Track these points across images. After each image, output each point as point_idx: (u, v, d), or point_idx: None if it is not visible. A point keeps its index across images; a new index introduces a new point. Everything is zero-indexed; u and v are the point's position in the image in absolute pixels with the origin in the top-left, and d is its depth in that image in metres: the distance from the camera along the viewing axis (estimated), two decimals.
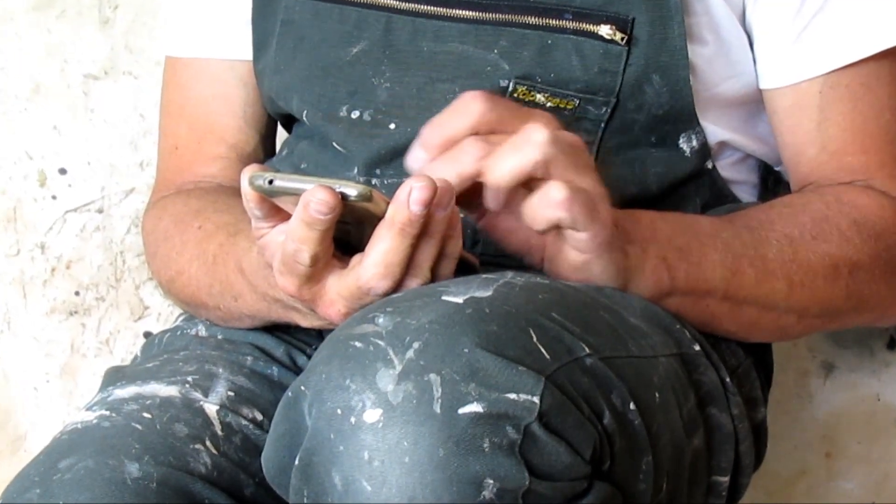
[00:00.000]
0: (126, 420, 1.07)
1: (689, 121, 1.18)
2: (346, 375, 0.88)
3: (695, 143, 1.20)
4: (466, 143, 1.00)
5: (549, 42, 1.16)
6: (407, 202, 0.95)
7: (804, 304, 1.12)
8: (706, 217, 1.15)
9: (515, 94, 1.16)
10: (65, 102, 1.65)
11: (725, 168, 1.24)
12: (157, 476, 1.02)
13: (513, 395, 0.88)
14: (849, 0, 1.17)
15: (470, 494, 0.86)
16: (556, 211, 0.98)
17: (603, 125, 1.16)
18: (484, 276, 0.97)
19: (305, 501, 0.90)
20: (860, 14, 1.18)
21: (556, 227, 1.00)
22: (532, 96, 1.16)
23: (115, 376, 1.16)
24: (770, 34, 1.19)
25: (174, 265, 1.22)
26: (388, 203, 0.97)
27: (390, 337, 0.89)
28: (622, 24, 1.15)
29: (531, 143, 0.98)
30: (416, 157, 1.02)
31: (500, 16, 1.17)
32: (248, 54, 1.28)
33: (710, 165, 1.21)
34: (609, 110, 1.16)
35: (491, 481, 0.87)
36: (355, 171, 1.20)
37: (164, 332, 1.26)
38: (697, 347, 1.07)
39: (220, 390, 1.12)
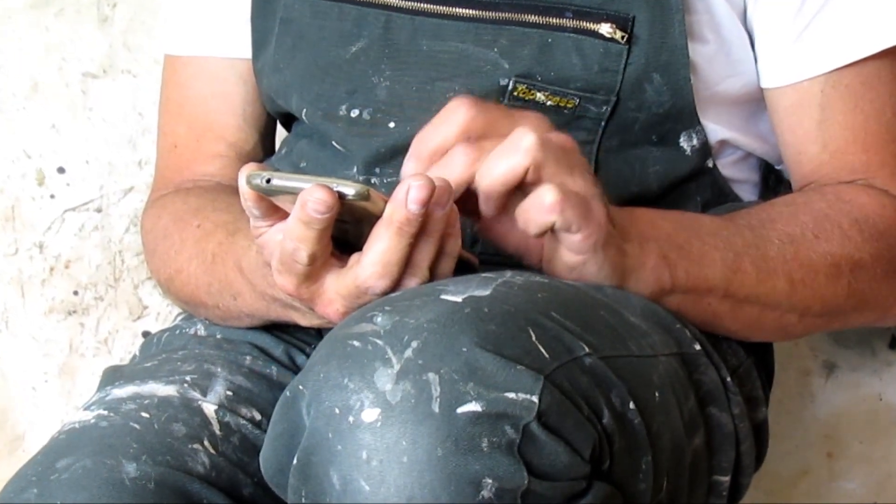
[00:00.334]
0: (124, 420, 1.07)
1: (689, 119, 1.18)
2: (344, 374, 0.88)
3: (695, 141, 1.19)
4: (456, 151, 1.00)
5: (549, 40, 1.16)
6: (405, 201, 0.95)
7: (805, 302, 1.12)
8: (707, 215, 1.14)
9: (515, 93, 1.16)
10: (63, 101, 1.65)
11: (726, 167, 1.23)
12: (154, 476, 1.02)
13: (511, 395, 0.87)
14: None
15: (469, 494, 0.86)
16: (549, 215, 0.98)
17: (603, 124, 1.16)
18: (483, 275, 0.96)
19: (304, 501, 0.90)
20: (861, 13, 1.18)
21: (551, 230, 0.99)
22: (532, 95, 1.15)
23: (114, 376, 1.16)
24: (771, 33, 1.19)
25: (173, 264, 1.22)
26: (386, 202, 0.96)
27: (389, 336, 0.89)
28: (622, 23, 1.15)
29: (519, 148, 0.98)
30: (407, 168, 1.03)
31: (499, 14, 1.17)
32: (247, 52, 1.28)
33: (710, 164, 1.21)
34: (609, 109, 1.16)
35: (490, 481, 0.86)
36: (355, 169, 1.20)
37: (163, 331, 1.26)
38: (698, 347, 1.06)
39: (219, 390, 1.12)
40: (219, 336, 1.21)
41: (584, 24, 1.15)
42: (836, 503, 1.69)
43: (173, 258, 1.22)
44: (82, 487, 1.01)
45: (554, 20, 1.16)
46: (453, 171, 0.99)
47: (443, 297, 0.92)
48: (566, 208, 0.98)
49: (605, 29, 1.15)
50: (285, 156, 1.29)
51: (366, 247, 0.98)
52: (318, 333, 1.19)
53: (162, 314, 1.68)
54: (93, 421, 1.07)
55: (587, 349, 0.93)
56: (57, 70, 1.64)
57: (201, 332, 1.22)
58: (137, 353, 1.26)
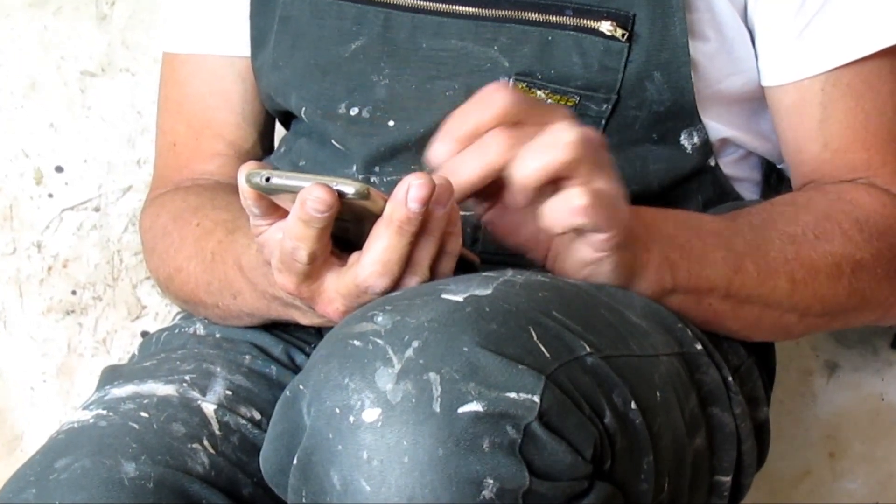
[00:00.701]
0: (123, 419, 1.07)
1: (690, 118, 1.18)
2: (344, 374, 0.88)
3: (696, 140, 1.19)
4: (492, 135, 0.98)
5: (550, 38, 1.15)
6: (405, 200, 0.95)
7: (806, 302, 1.12)
8: (708, 215, 1.14)
9: None
10: (61, 99, 1.64)
11: (728, 165, 1.23)
12: (154, 476, 1.02)
13: (513, 394, 0.87)
14: None
15: (470, 494, 0.86)
16: (579, 216, 0.96)
17: (604, 122, 1.16)
18: (484, 274, 0.96)
19: (304, 501, 0.90)
20: (862, 11, 1.18)
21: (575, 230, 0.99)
22: (532, 93, 1.15)
23: (112, 375, 1.16)
24: (772, 31, 1.18)
25: (172, 262, 1.21)
26: (386, 201, 0.96)
27: (389, 335, 0.89)
28: (623, 21, 1.14)
29: (560, 143, 0.96)
30: (438, 150, 1.00)
31: (499, 12, 1.16)
32: (246, 50, 1.28)
33: (712, 163, 1.21)
34: (610, 107, 1.16)
35: (491, 481, 0.86)
36: (354, 168, 1.20)
37: (162, 330, 1.26)
38: (699, 346, 1.06)
39: (218, 389, 1.12)
40: (218, 335, 1.21)
41: (585, 21, 1.15)
42: (837, 503, 1.69)
43: (172, 257, 1.21)
44: (81, 487, 1.01)
45: (554, 18, 1.16)
46: (487, 155, 0.98)
47: (444, 296, 0.91)
48: (597, 211, 0.97)
49: (605, 27, 1.15)
50: (284, 154, 1.28)
51: (366, 246, 0.97)
52: (318, 333, 1.19)
53: (161, 314, 1.68)
54: (91, 421, 1.07)
55: (589, 349, 0.92)
56: (55, 68, 1.64)
57: (200, 331, 1.22)
58: (136, 353, 1.26)
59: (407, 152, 1.18)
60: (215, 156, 1.31)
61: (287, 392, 0.93)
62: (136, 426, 1.06)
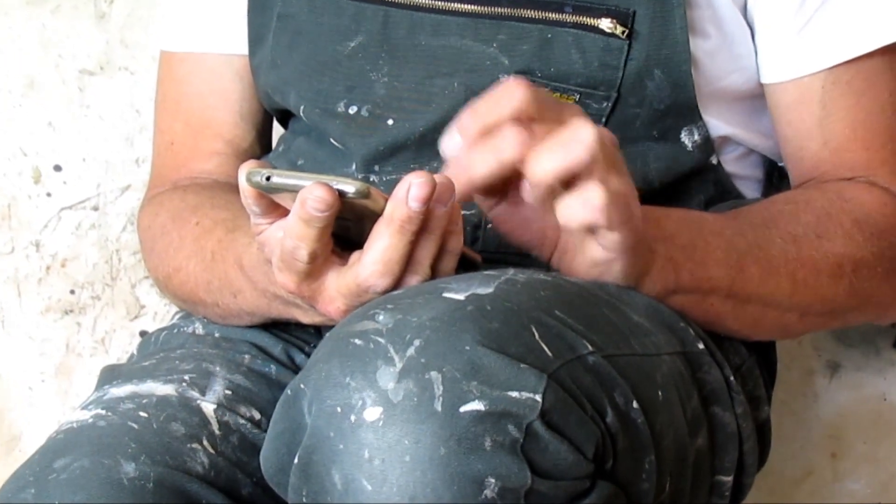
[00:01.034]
0: (122, 419, 1.06)
1: (691, 115, 1.18)
2: (346, 373, 0.88)
3: (697, 137, 1.19)
4: (508, 130, 0.96)
5: (549, 36, 1.15)
6: (405, 199, 0.95)
7: (807, 302, 1.12)
8: (710, 214, 1.14)
9: None
10: (60, 98, 1.64)
11: (729, 163, 1.23)
12: (153, 476, 1.02)
13: (515, 393, 0.87)
14: None
15: (471, 493, 0.86)
16: (594, 215, 0.95)
17: (604, 120, 1.16)
18: (485, 272, 0.96)
19: (305, 501, 0.90)
20: (862, 9, 1.18)
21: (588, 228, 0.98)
22: None
23: (111, 375, 1.16)
24: (772, 28, 1.18)
25: (171, 261, 1.21)
26: (386, 200, 0.96)
27: (391, 334, 0.88)
28: (623, 18, 1.14)
29: (578, 141, 0.95)
30: (451, 142, 0.99)
31: (499, 9, 1.16)
32: (244, 48, 1.28)
33: (713, 161, 1.21)
34: (610, 105, 1.16)
35: (493, 480, 0.86)
36: (353, 167, 1.20)
37: (161, 330, 1.25)
38: (701, 346, 1.06)
39: (218, 389, 1.12)
40: (217, 335, 1.20)
41: (584, 19, 1.15)
42: (839, 503, 1.69)
43: (172, 256, 1.21)
44: (80, 487, 1.00)
45: (553, 15, 1.15)
46: (502, 150, 0.96)
47: (445, 295, 0.91)
48: (613, 210, 0.96)
49: (605, 24, 1.15)
50: (283, 153, 1.28)
51: (366, 245, 0.97)
52: (318, 332, 1.19)
53: (159, 313, 1.68)
54: (90, 420, 1.07)
55: (590, 347, 0.92)
56: (54, 67, 1.64)
57: (199, 330, 1.22)
58: (135, 353, 1.26)
59: (406, 150, 1.18)
60: (213, 154, 1.31)
61: (288, 391, 0.92)
62: (136, 426, 1.06)
